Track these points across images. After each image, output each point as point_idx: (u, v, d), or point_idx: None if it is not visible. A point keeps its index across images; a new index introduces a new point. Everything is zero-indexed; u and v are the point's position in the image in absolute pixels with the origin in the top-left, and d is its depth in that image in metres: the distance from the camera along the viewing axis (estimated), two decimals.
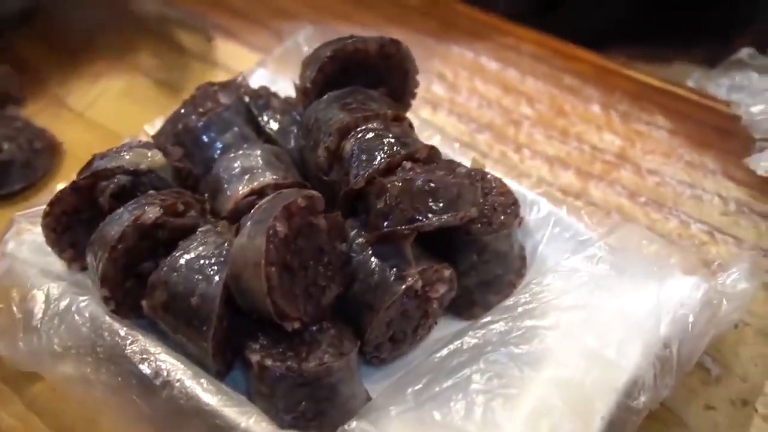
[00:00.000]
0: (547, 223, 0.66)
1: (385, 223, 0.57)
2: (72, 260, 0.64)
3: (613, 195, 0.78)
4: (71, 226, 0.63)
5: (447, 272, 0.58)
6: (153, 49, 1.00)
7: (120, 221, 0.58)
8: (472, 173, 0.61)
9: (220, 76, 0.93)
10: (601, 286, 0.59)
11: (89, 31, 1.04)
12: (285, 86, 0.77)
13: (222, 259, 0.56)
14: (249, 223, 0.54)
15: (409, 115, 0.85)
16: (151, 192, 0.61)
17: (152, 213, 0.58)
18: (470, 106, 0.89)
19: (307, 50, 0.81)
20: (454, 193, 0.58)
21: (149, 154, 0.64)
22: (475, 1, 1.04)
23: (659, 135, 0.84)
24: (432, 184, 0.57)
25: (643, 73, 0.92)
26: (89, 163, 0.64)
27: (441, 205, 0.57)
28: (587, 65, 0.93)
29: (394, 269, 0.56)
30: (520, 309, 0.58)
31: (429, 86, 0.92)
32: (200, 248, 0.57)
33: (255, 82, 0.80)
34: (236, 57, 0.99)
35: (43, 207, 0.65)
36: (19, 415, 0.61)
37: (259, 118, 0.70)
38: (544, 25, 1.00)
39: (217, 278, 0.55)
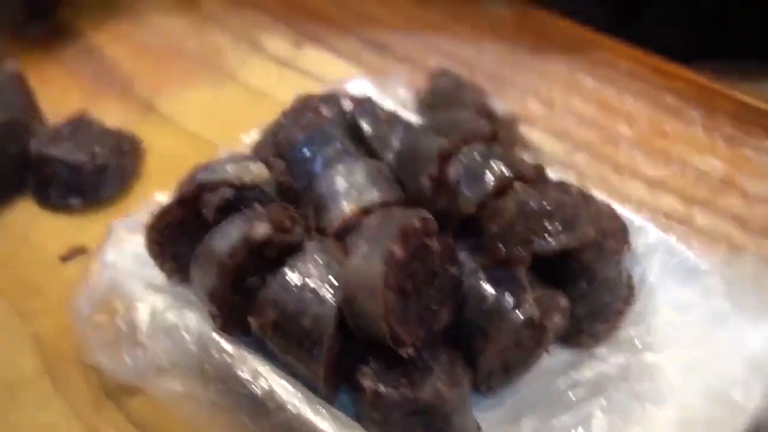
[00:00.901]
0: (656, 250, 0.65)
1: (502, 247, 0.56)
2: (173, 272, 0.64)
3: (720, 222, 0.77)
4: (173, 238, 0.63)
5: (563, 301, 0.58)
6: (241, 55, 0.99)
7: (229, 237, 0.58)
8: (584, 193, 0.60)
9: (309, 83, 0.93)
10: (720, 321, 0.58)
11: (173, 33, 1.04)
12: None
13: (334, 280, 0.55)
14: (362, 243, 0.54)
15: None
16: (257, 206, 0.60)
17: (262, 229, 0.58)
18: (566, 124, 0.88)
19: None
20: (570, 214, 0.57)
21: (253, 167, 0.63)
22: (573, 15, 1.02)
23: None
24: (547, 206, 0.57)
25: (747, 94, 0.89)
26: (192, 175, 0.63)
27: (558, 226, 0.56)
28: (688, 84, 0.92)
29: (510, 295, 0.55)
30: (638, 342, 0.57)
31: (524, 102, 0.91)
32: (310, 267, 0.57)
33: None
34: (324, 64, 0.99)
35: (139, 214, 0.66)
36: (120, 427, 0.61)
37: (363, 128, 0.68)
38: (622, 38, 0.98)
39: (330, 300, 0.55)
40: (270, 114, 0.72)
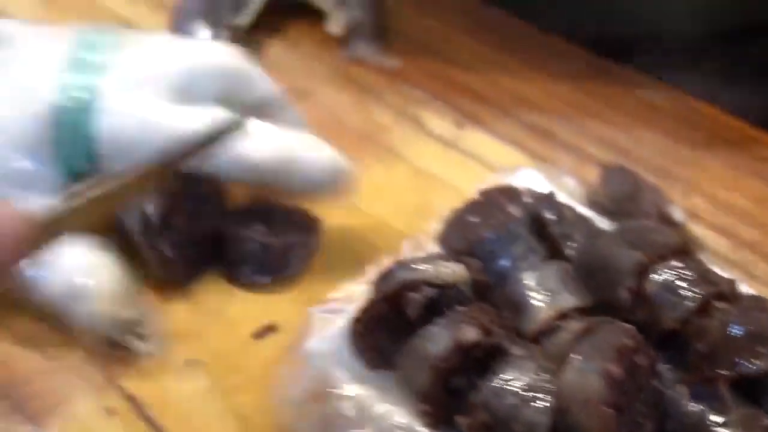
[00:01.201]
0: None
1: (707, 366, 0.58)
2: (373, 362, 0.66)
3: None
4: (375, 331, 0.66)
5: (766, 421, 0.58)
6: (404, 133, 1.02)
7: (440, 340, 0.60)
8: None
9: (473, 165, 0.96)
10: None
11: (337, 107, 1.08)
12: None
13: (544, 388, 0.58)
14: (578, 359, 0.57)
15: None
16: (460, 308, 0.63)
17: (472, 334, 0.61)
18: (729, 220, 0.89)
19: None
20: None
21: (453, 266, 0.66)
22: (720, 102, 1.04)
23: None
24: (752, 327, 0.58)
25: None
26: (391, 272, 0.67)
27: (764, 348, 0.57)
28: None
29: (715, 412, 0.57)
30: None
31: (685, 197, 0.91)
32: (520, 373, 0.59)
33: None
34: (487, 146, 1.01)
35: (335, 301, 0.69)
36: None
37: (548, 225, 0.71)
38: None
39: (542, 407, 0.57)
40: (438, 196, 0.75)
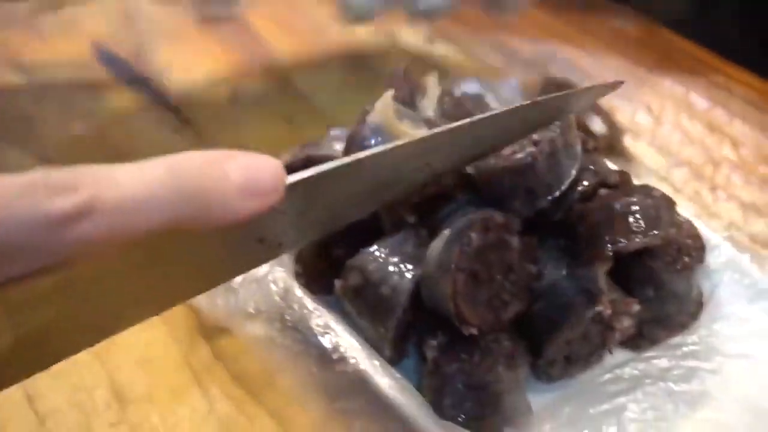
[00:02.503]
0: (727, 269, 0.67)
1: (587, 248, 0.59)
2: None
3: None
4: None
5: (635, 307, 0.60)
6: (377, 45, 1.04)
7: None
8: (667, 197, 0.62)
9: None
10: None
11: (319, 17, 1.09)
12: None
13: (417, 259, 0.60)
14: (447, 230, 0.58)
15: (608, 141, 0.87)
16: None
17: None
18: (671, 141, 0.89)
19: None
20: (653, 215, 0.59)
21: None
22: (700, 37, 1.03)
23: None
24: (631, 207, 0.60)
25: None
26: (301, 148, 0.69)
27: (641, 226, 0.59)
28: None
29: (586, 293, 0.58)
30: (684, 349, 0.59)
31: (634, 116, 0.92)
32: (400, 246, 0.61)
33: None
34: (454, 61, 1.02)
35: None
36: (206, 362, 0.66)
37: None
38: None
39: (409, 275, 0.59)
40: None
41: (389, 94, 0.62)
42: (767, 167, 0.86)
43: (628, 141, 0.89)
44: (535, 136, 0.61)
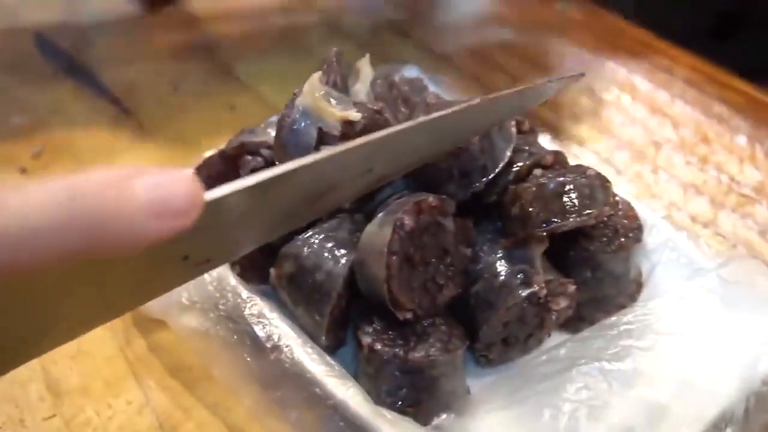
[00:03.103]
0: (665, 248, 0.66)
1: (521, 228, 0.58)
2: None
3: (744, 229, 0.77)
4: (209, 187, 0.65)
5: (571, 288, 0.59)
6: (320, 33, 1.03)
7: None
8: (601, 177, 0.61)
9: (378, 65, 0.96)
10: (706, 316, 0.59)
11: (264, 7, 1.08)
12: None
13: (352, 245, 0.58)
14: (381, 213, 0.57)
15: (550, 125, 0.87)
16: None
17: None
18: (614, 123, 0.88)
19: None
20: (587, 194, 0.58)
21: None
22: (645, 20, 1.02)
23: None
24: (565, 187, 0.58)
25: None
26: (237, 135, 0.67)
27: (575, 205, 0.57)
28: (739, 95, 0.91)
29: (522, 274, 0.57)
30: (621, 328, 0.58)
31: (577, 99, 0.91)
32: (335, 232, 0.60)
33: None
34: (396, 48, 1.01)
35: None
36: (141, 354, 0.65)
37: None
38: (717, 51, 0.98)
39: (344, 260, 0.58)
40: None
41: (316, 76, 0.61)
42: (707, 147, 0.85)
43: (571, 123, 0.88)
44: None
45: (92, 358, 0.65)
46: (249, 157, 0.64)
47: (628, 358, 0.55)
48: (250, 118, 0.71)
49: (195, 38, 1.03)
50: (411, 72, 0.85)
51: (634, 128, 0.88)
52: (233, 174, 0.65)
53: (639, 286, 0.64)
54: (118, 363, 0.64)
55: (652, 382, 0.54)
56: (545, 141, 0.73)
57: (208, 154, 0.68)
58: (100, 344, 0.66)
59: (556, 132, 0.87)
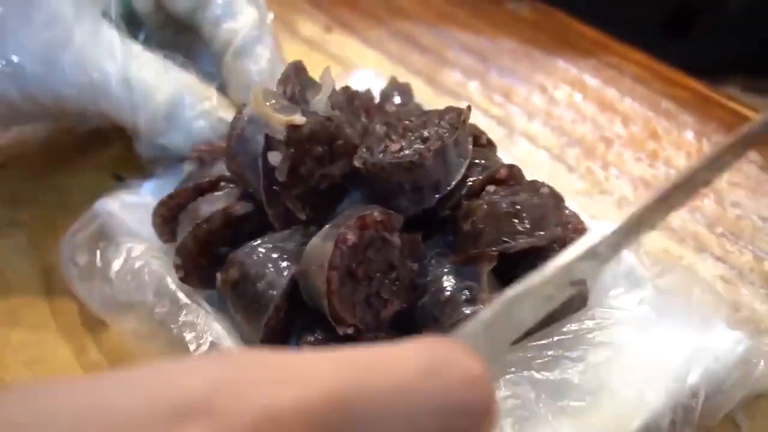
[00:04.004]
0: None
1: (471, 246, 0.57)
2: (164, 236, 0.67)
3: (692, 222, 0.77)
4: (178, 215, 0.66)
5: None
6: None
7: (212, 205, 0.60)
8: (555, 194, 0.61)
9: (335, 68, 0.95)
10: (638, 327, 0.59)
11: None
12: None
13: (298, 256, 0.58)
14: (327, 227, 0.57)
15: (504, 123, 0.87)
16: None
17: (243, 208, 0.62)
18: (565, 120, 0.89)
19: None
20: (539, 215, 0.58)
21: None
22: (597, 19, 1.03)
23: (749, 169, 0.83)
24: (517, 206, 0.58)
25: (744, 106, 0.89)
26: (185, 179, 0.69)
27: (526, 226, 0.57)
28: (687, 92, 0.92)
29: (468, 291, 0.56)
30: (554, 338, 0.58)
31: (529, 97, 0.92)
32: (284, 242, 0.60)
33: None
34: (351, 49, 1.00)
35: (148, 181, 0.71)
36: (95, 360, 0.66)
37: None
38: (668, 49, 0.98)
39: (286, 272, 0.58)
40: None
41: (260, 86, 0.61)
42: (655, 142, 0.86)
43: (523, 121, 0.88)
44: (425, 133, 0.60)
45: (47, 366, 0.65)
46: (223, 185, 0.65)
47: (557, 368, 0.55)
48: None
49: None
50: (365, 74, 0.85)
51: (585, 125, 0.88)
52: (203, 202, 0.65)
53: (584, 300, 0.62)
54: (72, 370, 0.65)
55: (578, 393, 0.54)
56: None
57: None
58: (55, 351, 0.66)
59: (509, 130, 0.87)
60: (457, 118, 0.61)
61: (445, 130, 0.60)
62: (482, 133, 0.67)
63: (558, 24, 1.03)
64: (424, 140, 0.59)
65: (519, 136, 0.86)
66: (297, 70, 0.66)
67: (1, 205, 0.80)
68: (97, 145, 0.87)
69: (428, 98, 0.87)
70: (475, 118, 0.87)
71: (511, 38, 1.01)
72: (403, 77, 0.92)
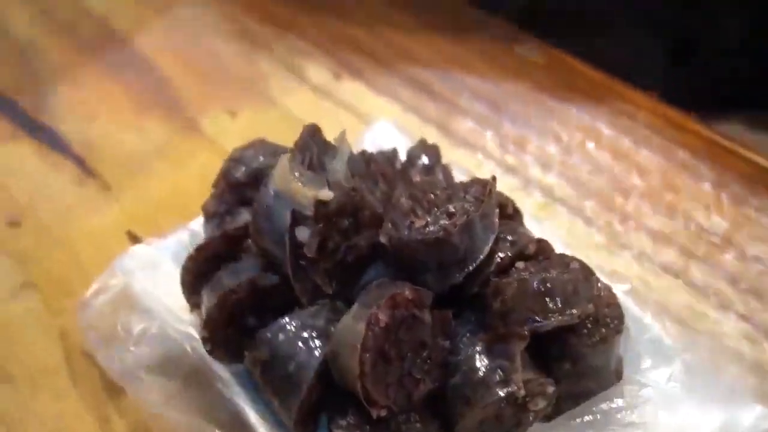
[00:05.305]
0: (631, 330, 0.64)
1: (502, 324, 0.56)
2: (195, 306, 0.65)
3: (714, 278, 0.77)
4: (207, 273, 0.64)
5: (551, 388, 0.57)
6: (284, 83, 1.01)
7: (236, 276, 0.59)
8: (585, 268, 0.59)
9: (345, 115, 0.95)
10: (667, 405, 0.59)
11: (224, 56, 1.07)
12: None
13: (329, 334, 0.57)
14: (356, 305, 0.56)
15: (519, 172, 0.86)
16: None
17: (268, 280, 0.61)
18: (581, 170, 0.88)
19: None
20: (570, 291, 0.57)
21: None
22: (602, 55, 1.02)
23: None
24: (547, 284, 0.57)
25: (760, 155, 0.89)
26: (215, 224, 0.68)
27: (558, 304, 0.56)
28: (702, 141, 0.92)
29: (501, 371, 0.55)
30: (579, 420, 0.57)
31: (544, 146, 0.92)
32: (312, 319, 0.58)
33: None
34: (362, 97, 0.99)
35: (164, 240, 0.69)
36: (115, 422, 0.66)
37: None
38: (672, 78, 0.98)
39: (317, 352, 0.57)
40: None
41: (285, 159, 0.59)
42: (673, 194, 0.85)
43: (538, 171, 0.88)
44: (450, 207, 0.59)
45: None
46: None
47: None
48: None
49: (157, 91, 1.01)
50: (384, 127, 0.84)
51: (601, 176, 0.87)
52: (233, 254, 0.64)
53: (619, 374, 0.61)
54: None
55: None
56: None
57: (196, 226, 0.69)
58: (78, 423, 0.65)
59: (525, 181, 0.86)
60: (482, 190, 0.60)
61: (470, 204, 0.59)
62: (508, 201, 0.66)
63: (568, 68, 1.02)
64: (450, 215, 0.59)
65: (534, 188, 0.86)
66: (313, 134, 0.65)
67: (15, 264, 0.79)
68: (107, 200, 0.86)
69: (443, 147, 0.86)
70: (490, 168, 0.88)
71: (522, 83, 1.00)
72: (416, 126, 0.93)
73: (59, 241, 0.81)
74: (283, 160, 0.60)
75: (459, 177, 0.71)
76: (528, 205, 0.82)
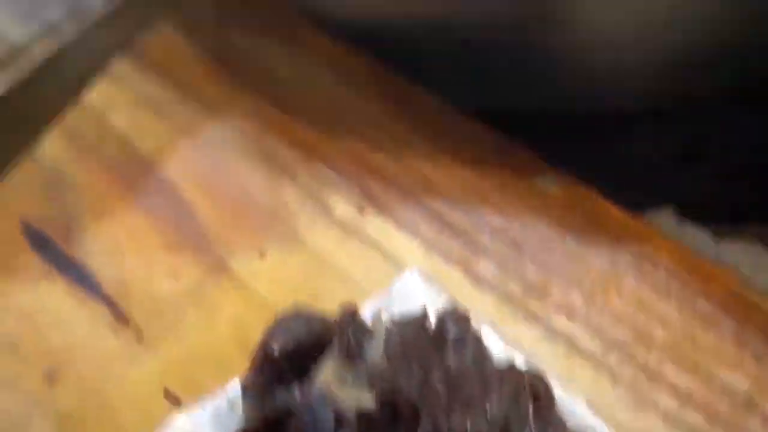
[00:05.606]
0: None
1: None
2: None
3: None
4: None
5: None
6: (309, 216, 1.02)
7: None
8: None
9: (372, 255, 0.96)
10: None
11: (249, 185, 1.08)
12: None
13: None
14: None
15: (541, 321, 0.88)
16: None
17: None
18: (603, 321, 0.89)
19: None
20: None
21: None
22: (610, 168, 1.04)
23: None
24: None
25: None
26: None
27: None
28: (722, 289, 0.92)
29: None
30: None
31: (567, 292, 0.92)
32: None
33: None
34: (385, 233, 1.00)
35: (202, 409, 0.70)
36: None
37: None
38: (683, 190, 1.00)
39: None
40: (335, 288, 0.78)
41: (330, 365, 0.61)
42: (695, 348, 0.86)
43: (563, 321, 0.89)
44: (487, 406, 0.60)
45: None
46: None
47: None
48: (259, 328, 0.70)
49: (184, 224, 1.02)
50: (411, 280, 0.85)
51: (624, 328, 0.89)
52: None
53: None
54: None
55: None
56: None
57: (233, 392, 0.69)
58: None
59: (548, 331, 0.88)
60: (517, 386, 0.62)
61: (505, 401, 0.60)
62: (540, 381, 0.67)
63: (589, 203, 1.03)
64: (485, 413, 0.60)
65: (558, 340, 0.87)
66: (352, 316, 0.66)
67: (54, 427, 0.80)
68: (142, 351, 0.87)
69: (467, 293, 0.88)
70: (513, 316, 0.89)
71: (543, 220, 1.01)
72: (438, 267, 0.94)
73: (98, 399, 0.82)
74: (327, 366, 0.61)
75: (489, 337, 0.72)
76: (550, 356, 0.84)
